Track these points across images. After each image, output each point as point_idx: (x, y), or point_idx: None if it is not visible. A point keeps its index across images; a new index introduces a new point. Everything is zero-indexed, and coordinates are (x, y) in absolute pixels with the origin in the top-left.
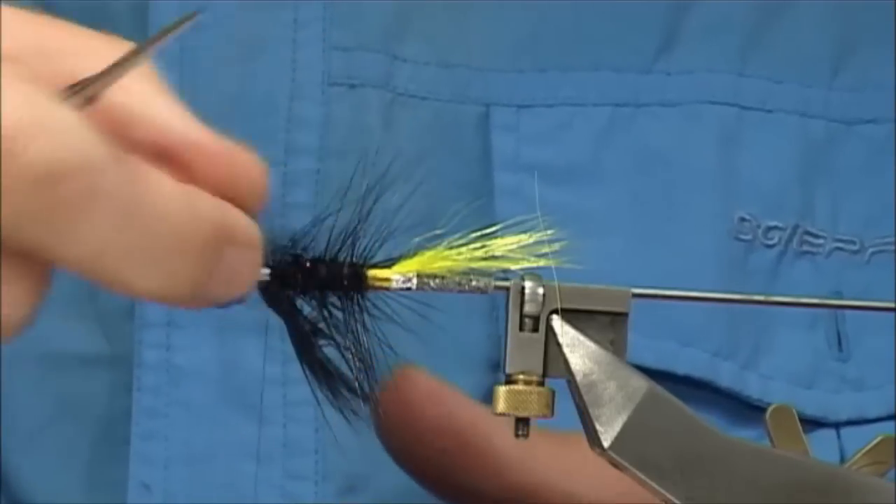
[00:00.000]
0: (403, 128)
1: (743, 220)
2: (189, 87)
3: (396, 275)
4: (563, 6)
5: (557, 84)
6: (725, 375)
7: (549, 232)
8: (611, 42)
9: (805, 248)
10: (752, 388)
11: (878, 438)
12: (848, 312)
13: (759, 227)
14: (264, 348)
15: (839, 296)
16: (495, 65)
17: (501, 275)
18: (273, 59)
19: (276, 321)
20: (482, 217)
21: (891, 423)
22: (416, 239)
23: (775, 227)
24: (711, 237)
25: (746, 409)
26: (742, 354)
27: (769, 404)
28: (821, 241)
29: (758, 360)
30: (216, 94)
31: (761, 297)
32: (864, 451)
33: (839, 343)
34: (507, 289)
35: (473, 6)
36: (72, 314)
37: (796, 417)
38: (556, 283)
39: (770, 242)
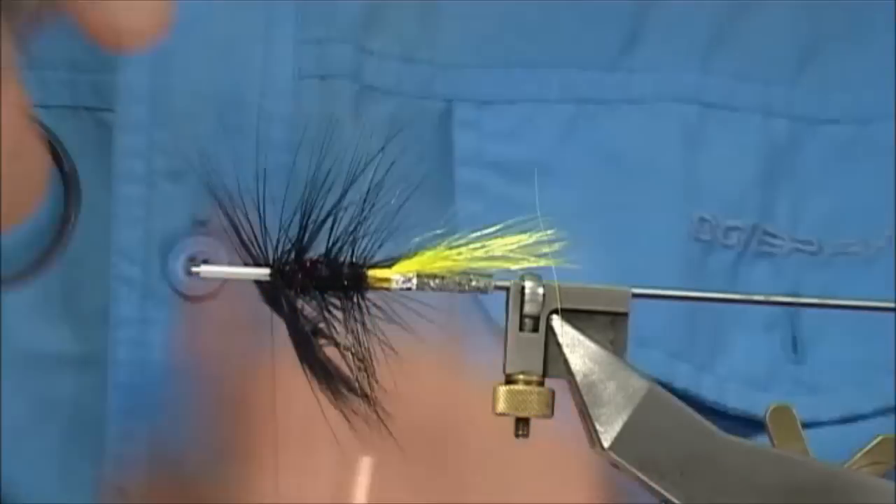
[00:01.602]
0: (369, 121)
1: (703, 220)
2: (161, 85)
3: (396, 275)
4: (529, 2)
5: (521, 80)
6: (682, 377)
7: (549, 232)
8: (575, 38)
9: (764, 248)
10: (707, 390)
11: (878, 438)
12: (804, 316)
13: (718, 227)
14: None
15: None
16: (459, 60)
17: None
18: (244, 57)
19: (249, 320)
20: (442, 213)
21: (843, 427)
22: (416, 239)
23: (734, 228)
24: (671, 238)
25: (703, 413)
26: (698, 356)
27: (724, 407)
28: (780, 241)
29: (713, 362)
30: (188, 91)
31: (761, 297)
32: (864, 451)
33: (794, 346)
34: (507, 289)
35: (441, 2)
36: (47, 315)
37: (796, 417)
38: (556, 283)
39: (729, 243)
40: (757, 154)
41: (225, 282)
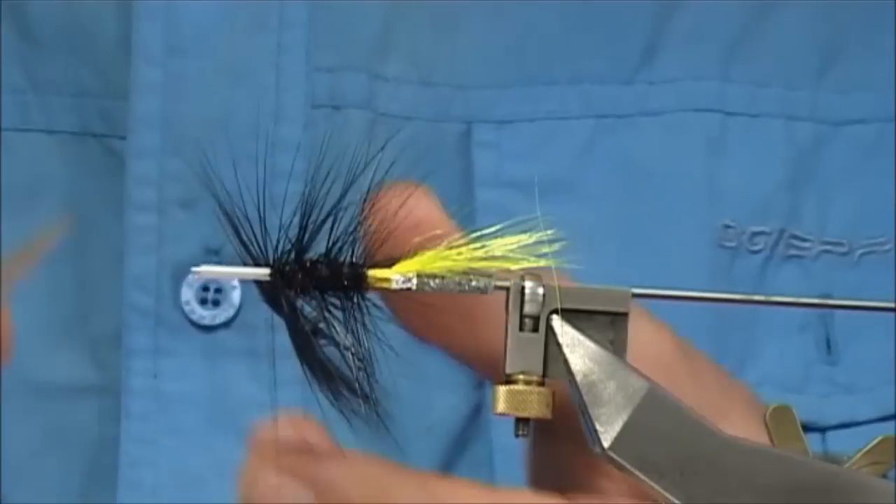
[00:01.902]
0: (385, 148)
1: (727, 227)
2: (172, 113)
3: (396, 275)
4: (545, 19)
5: (539, 98)
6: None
7: (549, 232)
8: (593, 54)
9: (792, 251)
10: None
11: (878, 438)
12: (838, 315)
13: (743, 233)
14: (253, 373)
15: (829, 298)
16: (476, 81)
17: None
18: (256, 84)
19: (263, 346)
20: None
21: (880, 426)
22: (416, 239)
23: (761, 233)
24: (695, 247)
25: None
26: (729, 363)
27: None
28: (808, 244)
29: (745, 367)
30: (200, 120)
31: (761, 297)
32: (864, 450)
33: (828, 347)
34: (507, 289)
35: (456, 23)
36: (61, 343)
37: (796, 417)
38: (556, 283)
39: (755, 248)
40: (781, 158)
41: (238, 311)
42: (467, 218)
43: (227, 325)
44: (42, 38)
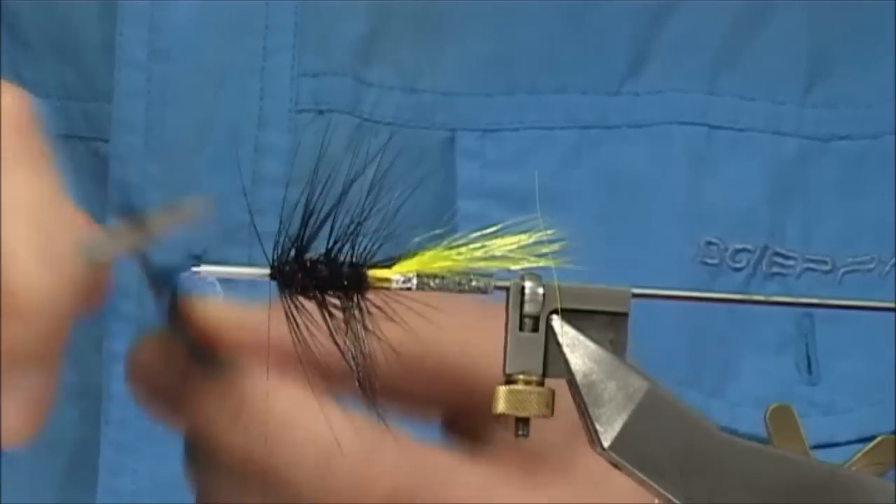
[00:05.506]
0: (371, 154)
1: (710, 243)
2: (156, 117)
3: (396, 275)
4: (531, 28)
5: (524, 107)
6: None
7: (549, 232)
8: (579, 64)
9: (775, 269)
10: (718, 416)
11: (879, 438)
12: (819, 335)
13: (726, 250)
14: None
15: (810, 318)
16: (462, 88)
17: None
18: (241, 88)
19: None
20: None
21: (858, 447)
22: (417, 239)
23: (744, 250)
24: (677, 264)
25: None
26: (707, 383)
27: (736, 432)
28: (791, 261)
29: (724, 387)
30: (184, 124)
31: (761, 297)
32: (864, 451)
33: (809, 366)
34: (507, 289)
35: (442, 30)
36: None
37: (796, 417)
38: (556, 283)
39: (738, 265)
40: (766, 174)
41: None
42: (449, 231)
43: None
44: (30, 41)
